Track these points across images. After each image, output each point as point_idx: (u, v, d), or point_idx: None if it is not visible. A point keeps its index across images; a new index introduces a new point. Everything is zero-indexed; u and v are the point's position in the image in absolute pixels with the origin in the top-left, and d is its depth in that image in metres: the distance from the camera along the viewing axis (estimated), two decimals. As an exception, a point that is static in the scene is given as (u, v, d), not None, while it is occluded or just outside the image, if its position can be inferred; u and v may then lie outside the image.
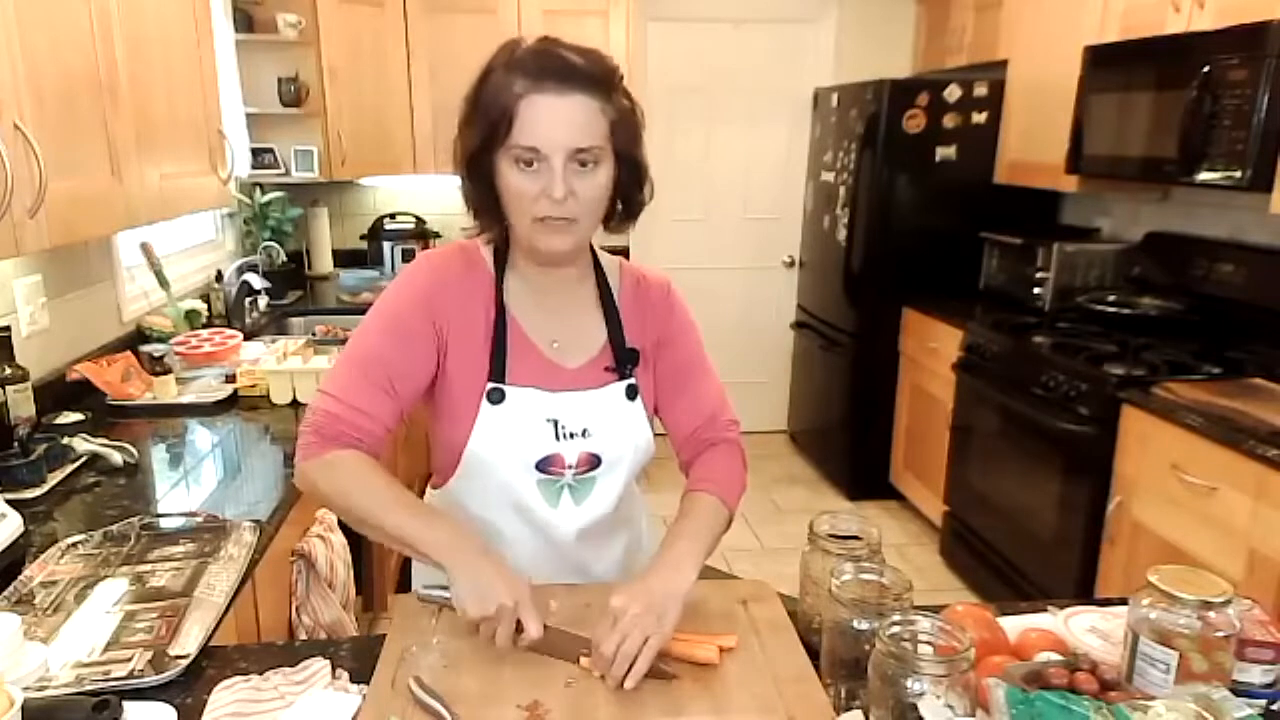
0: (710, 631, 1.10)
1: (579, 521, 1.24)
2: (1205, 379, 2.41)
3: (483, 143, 1.08)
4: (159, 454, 1.83)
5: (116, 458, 1.71)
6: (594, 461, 1.21)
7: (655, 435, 1.29)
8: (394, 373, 1.14)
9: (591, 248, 1.26)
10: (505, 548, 1.23)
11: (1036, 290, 3.26)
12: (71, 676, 1.04)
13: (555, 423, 1.19)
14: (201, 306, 2.83)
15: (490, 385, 1.17)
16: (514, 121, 1.05)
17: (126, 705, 0.96)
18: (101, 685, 1.02)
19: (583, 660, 1.04)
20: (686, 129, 4.46)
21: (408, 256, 3.92)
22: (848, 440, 4.00)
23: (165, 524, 1.46)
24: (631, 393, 1.23)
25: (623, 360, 1.23)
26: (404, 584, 3.06)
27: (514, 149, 1.06)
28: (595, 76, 1.07)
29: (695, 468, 1.28)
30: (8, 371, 1.75)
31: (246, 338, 2.63)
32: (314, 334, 2.79)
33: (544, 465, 1.19)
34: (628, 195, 1.17)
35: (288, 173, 3.71)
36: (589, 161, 1.07)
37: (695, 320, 1.32)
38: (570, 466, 1.20)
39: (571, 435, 1.19)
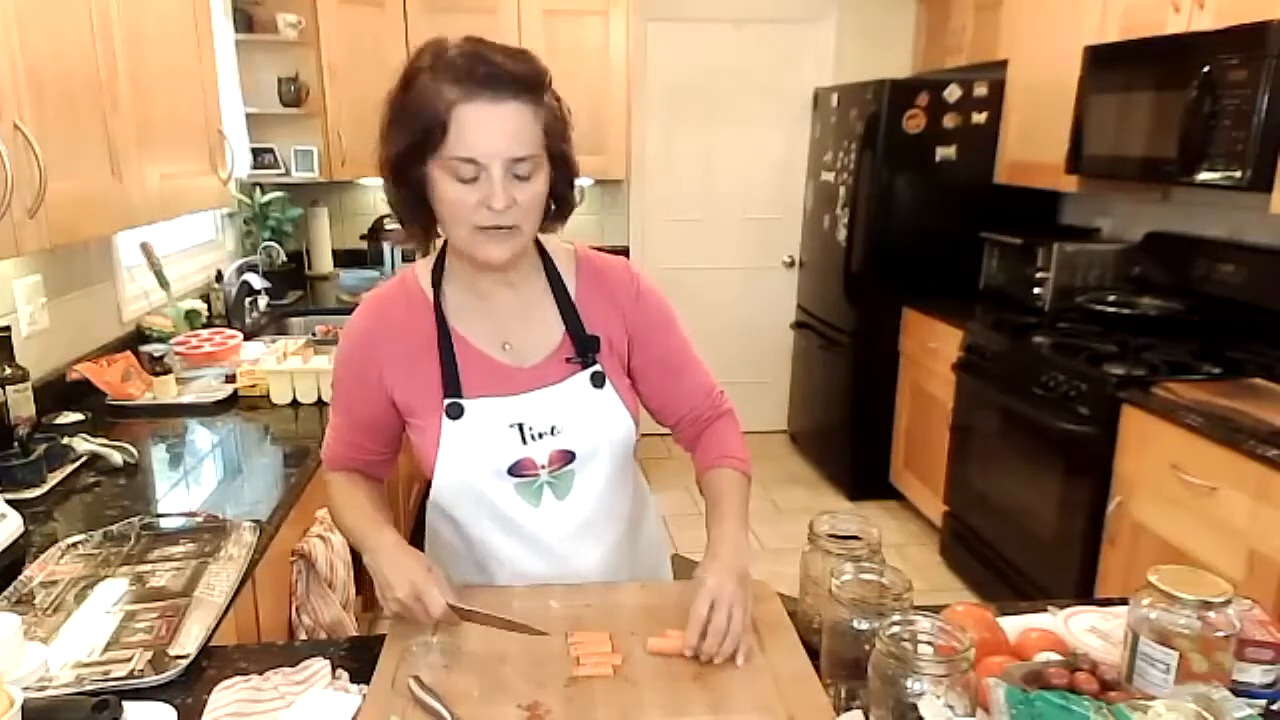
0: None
1: (567, 518, 1.23)
2: (1205, 379, 2.41)
3: (411, 151, 1.05)
4: (159, 454, 1.83)
5: (116, 458, 1.71)
6: (568, 457, 1.20)
7: (654, 428, 1.29)
8: (359, 416, 1.24)
9: (537, 240, 1.22)
10: (496, 563, 1.24)
11: (1036, 290, 3.26)
12: (71, 676, 1.04)
13: (520, 426, 1.18)
14: (201, 306, 2.83)
15: (448, 401, 1.17)
16: (447, 131, 1.02)
17: (126, 705, 0.96)
18: (101, 685, 1.02)
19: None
20: (686, 129, 4.46)
21: (408, 257, 3.91)
22: (848, 440, 4.00)
23: (165, 524, 1.46)
24: (598, 380, 1.21)
25: (583, 348, 1.21)
26: (404, 584, 3.06)
27: (449, 160, 1.03)
28: (527, 81, 1.04)
29: (704, 444, 1.31)
30: (8, 371, 1.75)
31: (246, 338, 2.63)
32: (314, 334, 2.79)
33: (515, 470, 1.18)
34: (560, 195, 1.16)
35: (288, 173, 3.71)
36: (527, 169, 1.06)
37: (667, 301, 1.30)
38: (543, 466, 1.19)
39: (540, 436, 1.18)
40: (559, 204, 1.17)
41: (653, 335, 1.27)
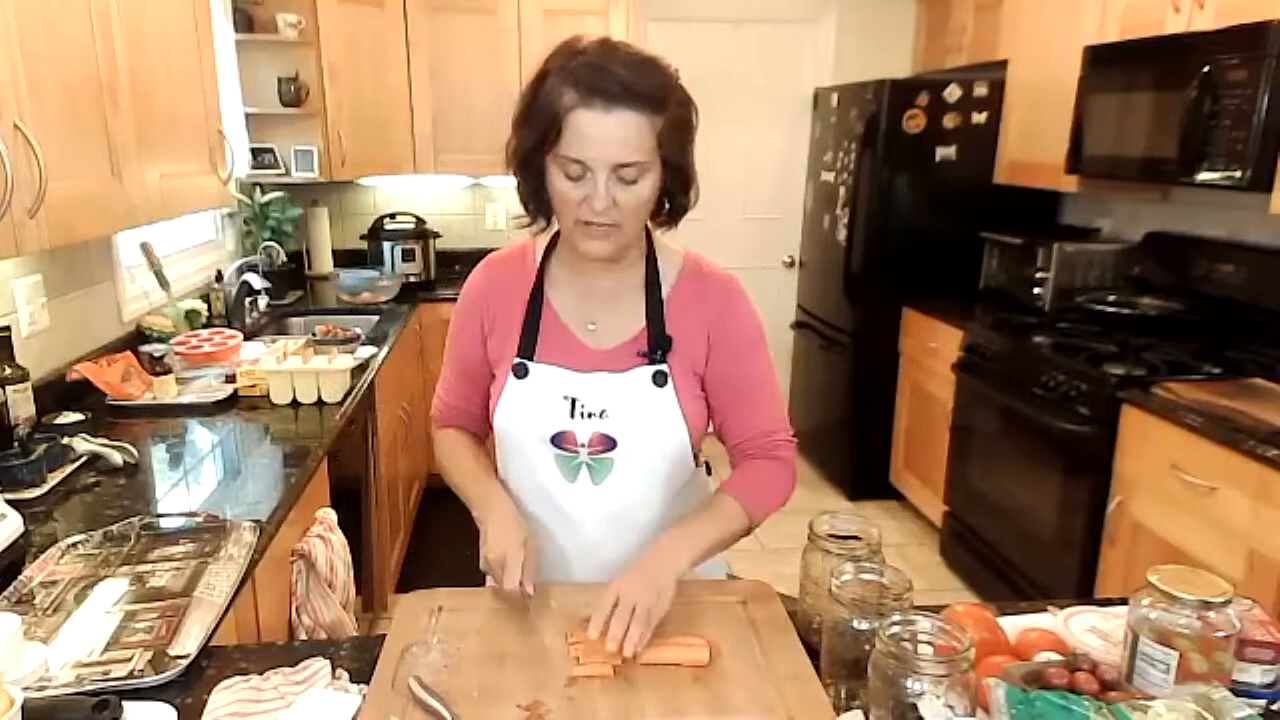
0: (700, 632, 1.10)
1: (599, 502, 1.25)
2: (1205, 379, 2.41)
3: (534, 144, 1.12)
4: (159, 454, 1.83)
5: (116, 458, 1.71)
6: (609, 443, 1.23)
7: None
8: (465, 366, 1.34)
9: (649, 236, 1.27)
10: (530, 526, 1.25)
11: (1036, 290, 3.26)
12: (71, 676, 1.04)
13: (573, 401, 1.23)
14: (201, 306, 2.83)
15: (516, 360, 1.25)
16: (562, 131, 1.08)
17: (126, 705, 0.96)
18: (101, 685, 1.02)
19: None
20: (686, 129, 4.46)
21: (408, 256, 3.92)
22: (848, 440, 4.00)
23: (165, 524, 1.46)
24: (659, 379, 1.23)
25: (655, 346, 1.24)
26: (404, 584, 3.07)
27: (560, 157, 1.10)
28: (645, 94, 1.08)
29: (734, 473, 1.31)
30: (8, 371, 1.75)
31: (246, 338, 2.63)
32: (314, 334, 2.79)
33: (558, 440, 1.23)
34: (673, 198, 1.20)
35: (288, 173, 3.71)
36: (633, 174, 1.10)
37: (761, 328, 1.30)
38: (583, 445, 1.23)
39: (588, 415, 1.22)
40: (672, 207, 1.21)
41: (730, 354, 1.27)
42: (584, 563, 1.29)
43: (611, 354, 1.24)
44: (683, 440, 1.25)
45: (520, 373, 1.25)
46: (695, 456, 1.33)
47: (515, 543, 1.14)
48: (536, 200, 1.20)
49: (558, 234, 1.26)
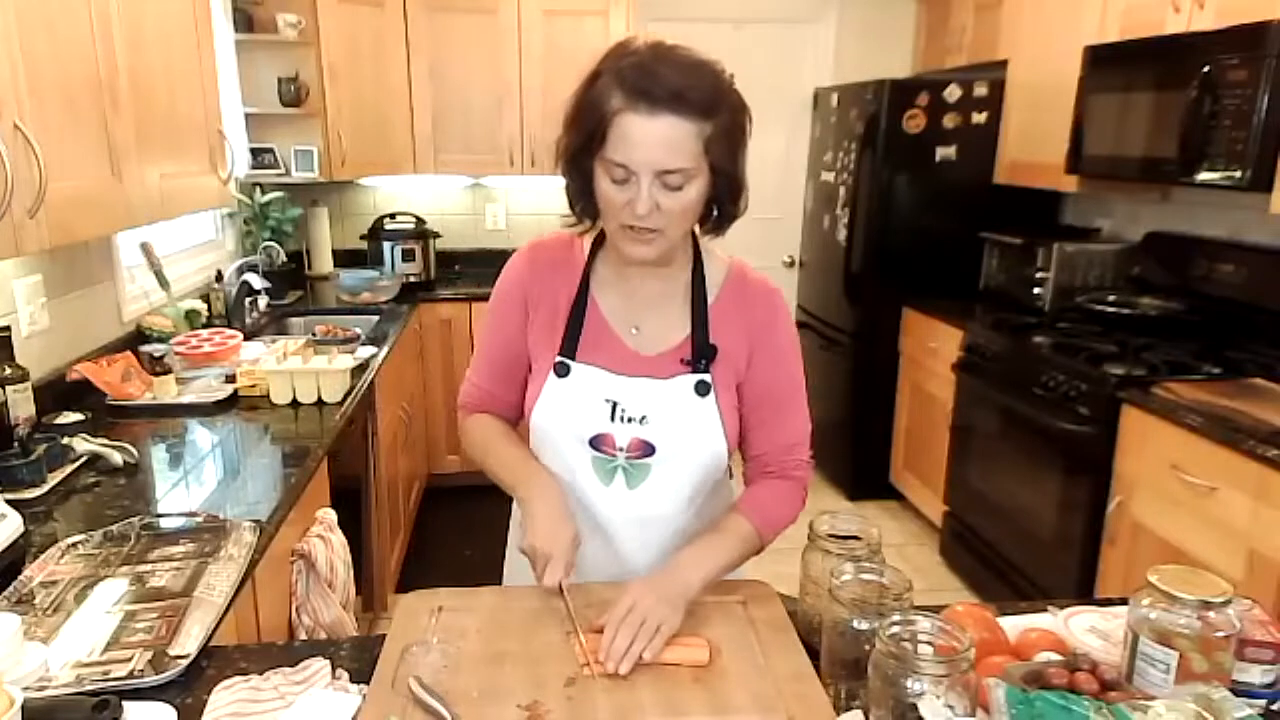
0: (700, 632, 1.10)
1: (633, 507, 1.25)
2: (1205, 379, 2.41)
3: (581, 145, 1.12)
4: (159, 454, 1.83)
5: (116, 458, 1.71)
6: (647, 449, 1.22)
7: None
8: (502, 353, 1.31)
9: (696, 242, 1.26)
10: None
11: (1036, 290, 3.26)
12: (71, 676, 1.04)
13: (614, 404, 1.22)
14: (201, 306, 2.83)
15: (558, 359, 1.23)
16: (608, 134, 1.07)
17: (126, 705, 0.96)
18: (101, 685, 1.02)
19: (582, 641, 1.05)
20: (686, 129, 4.46)
21: (408, 256, 3.92)
22: (848, 440, 4.00)
23: (165, 524, 1.46)
24: (702, 388, 1.22)
25: (699, 355, 1.23)
26: (404, 584, 3.07)
27: (606, 160, 1.09)
28: (693, 100, 1.05)
29: (749, 490, 1.30)
30: (8, 371, 1.74)
31: (246, 338, 2.63)
32: (314, 334, 2.79)
33: (596, 443, 1.23)
34: (721, 205, 1.18)
35: (288, 173, 3.71)
36: (679, 180, 1.08)
37: (798, 343, 1.30)
38: (621, 449, 1.22)
39: (629, 419, 1.21)
40: (720, 214, 1.19)
41: (768, 365, 1.27)
42: (607, 562, 1.28)
43: (655, 359, 1.23)
44: (720, 451, 1.25)
45: (562, 371, 1.23)
46: (729, 468, 1.32)
47: (564, 541, 1.14)
48: (584, 200, 1.19)
49: (602, 231, 1.25)
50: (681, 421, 1.22)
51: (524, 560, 1.19)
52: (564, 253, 1.28)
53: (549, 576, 1.11)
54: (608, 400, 1.22)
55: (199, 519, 1.47)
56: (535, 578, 1.14)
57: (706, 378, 1.22)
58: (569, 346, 1.23)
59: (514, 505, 1.34)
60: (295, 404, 2.15)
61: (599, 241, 1.26)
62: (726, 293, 1.26)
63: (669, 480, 1.24)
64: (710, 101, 1.07)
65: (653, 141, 1.06)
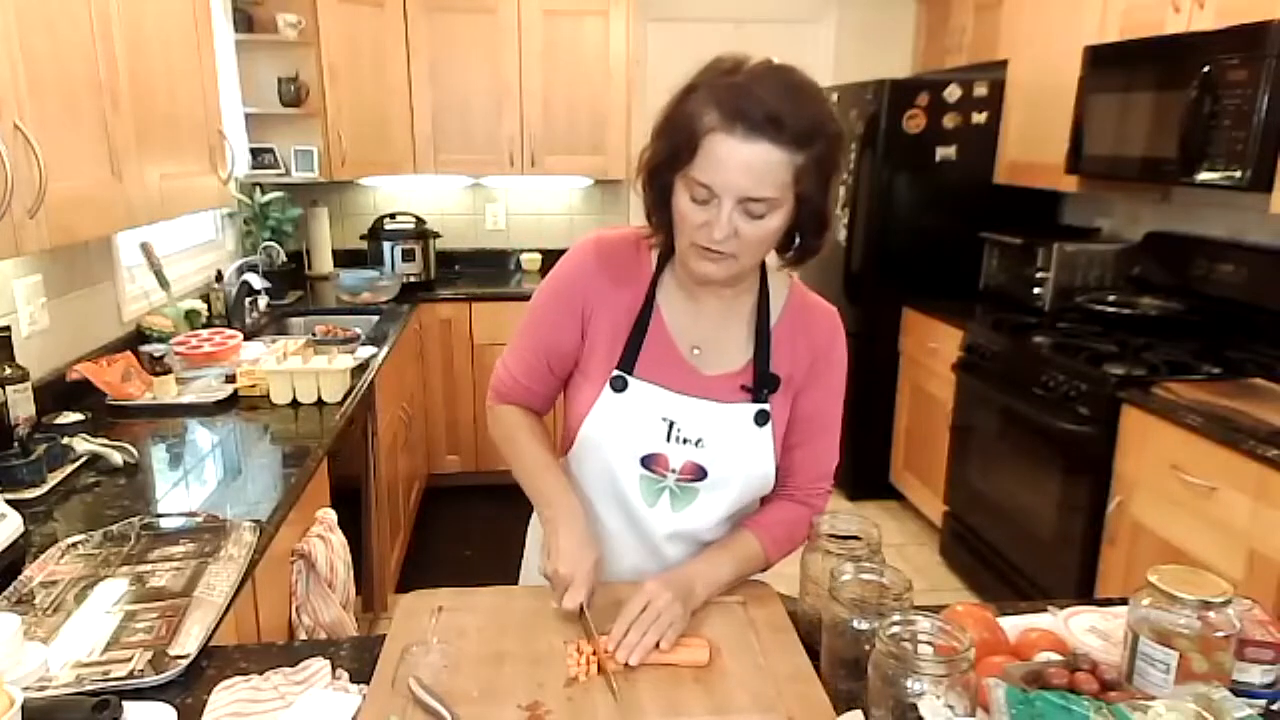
0: (700, 632, 1.10)
1: (676, 528, 1.24)
2: (1205, 379, 2.41)
3: (665, 159, 1.08)
4: (159, 454, 1.83)
5: (116, 458, 1.71)
6: (699, 472, 1.20)
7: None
8: (546, 350, 1.25)
9: (763, 266, 1.23)
10: (605, 539, 1.25)
11: (1036, 290, 3.26)
12: (71, 676, 1.04)
13: (671, 424, 1.19)
14: (201, 306, 2.83)
15: (616, 372, 1.19)
16: (696, 153, 1.03)
17: (126, 705, 0.96)
18: (101, 685, 1.02)
19: (580, 648, 1.05)
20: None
21: (408, 256, 3.92)
22: (847, 440, 3.96)
23: (165, 524, 1.46)
24: (761, 418, 1.20)
25: (761, 384, 1.21)
26: (404, 584, 3.07)
27: (689, 178, 1.05)
28: (790, 128, 1.01)
29: (766, 509, 1.29)
30: (8, 371, 1.74)
31: (246, 338, 2.63)
32: (314, 334, 2.79)
33: (648, 462, 1.20)
34: (803, 236, 1.14)
35: (288, 173, 3.71)
36: (762, 209, 1.05)
37: (845, 369, 1.28)
38: (673, 470, 1.20)
39: (685, 441, 1.19)
40: (801, 247, 1.16)
41: (819, 392, 1.25)
42: (628, 572, 1.27)
43: (715, 381, 1.20)
44: (770, 478, 1.24)
45: (619, 385, 1.19)
46: None
47: (586, 566, 1.11)
48: (660, 214, 1.14)
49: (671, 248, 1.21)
50: (737, 449, 1.20)
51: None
52: (631, 257, 1.22)
53: (569, 599, 1.09)
54: (664, 419, 1.19)
55: (199, 519, 1.47)
56: (554, 599, 1.12)
57: (767, 407, 1.20)
58: (628, 360, 1.19)
59: (533, 518, 1.33)
60: (295, 404, 2.15)
61: (664, 255, 1.22)
62: (788, 316, 1.24)
63: (715, 505, 1.23)
64: (808, 131, 1.02)
65: (741, 167, 1.01)
